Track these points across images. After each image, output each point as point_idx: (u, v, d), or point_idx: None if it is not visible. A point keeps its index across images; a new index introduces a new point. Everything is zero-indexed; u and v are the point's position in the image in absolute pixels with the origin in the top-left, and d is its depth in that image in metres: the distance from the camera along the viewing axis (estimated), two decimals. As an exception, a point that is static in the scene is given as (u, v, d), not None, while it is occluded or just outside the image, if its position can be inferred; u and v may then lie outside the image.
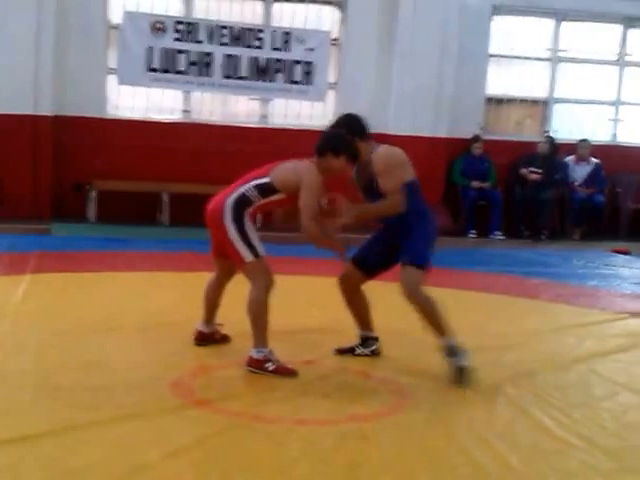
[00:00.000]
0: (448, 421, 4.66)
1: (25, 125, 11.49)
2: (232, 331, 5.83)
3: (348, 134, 5.36)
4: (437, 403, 4.96)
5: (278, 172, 5.29)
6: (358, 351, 5.75)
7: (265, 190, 5.26)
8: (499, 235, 12.80)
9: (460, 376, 5.22)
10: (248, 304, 5.26)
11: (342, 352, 5.72)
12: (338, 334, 6.08)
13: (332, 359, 5.69)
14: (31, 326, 6.17)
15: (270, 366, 5.21)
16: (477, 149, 12.96)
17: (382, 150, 5.41)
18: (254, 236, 5.27)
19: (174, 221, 11.62)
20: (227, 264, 5.54)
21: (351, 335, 5.82)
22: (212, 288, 5.75)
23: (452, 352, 5.31)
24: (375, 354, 5.77)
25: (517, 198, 13.00)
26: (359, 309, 5.75)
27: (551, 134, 13.66)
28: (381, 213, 5.46)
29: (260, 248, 5.27)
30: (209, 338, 5.79)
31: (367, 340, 5.78)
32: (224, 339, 5.86)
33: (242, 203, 5.25)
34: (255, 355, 5.25)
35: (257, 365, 5.23)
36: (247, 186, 5.28)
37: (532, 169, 12.92)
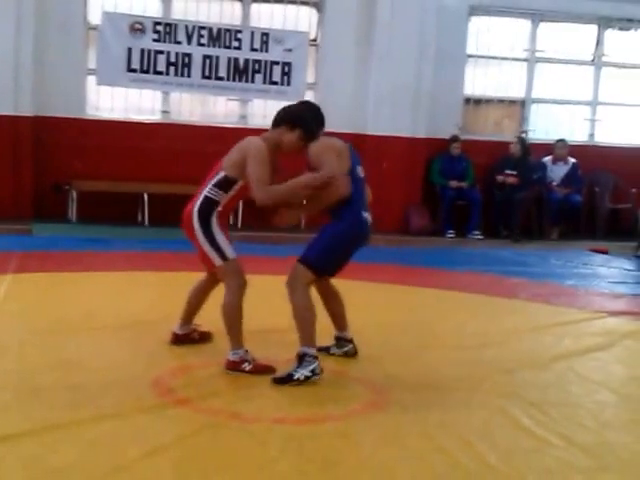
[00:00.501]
0: (426, 420, 4.67)
1: (5, 125, 11.49)
2: (213, 329, 5.85)
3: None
4: (415, 402, 4.98)
5: (227, 160, 5.25)
6: (332, 351, 5.78)
7: (224, 184, 5.23)
8: (477, 235, 12.86)
9: (282, 381, 5.12)
10: (222, 307, 5.28)
11: (319, 350, 5.65)
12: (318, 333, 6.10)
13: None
14: (12, 326, 6.22)
15: (247, 366, 5.24)
16: (455, 149, 13.02)
17: (317, 141, 5.28)
18: (221, 239, 5.25)
19: (154, 221, 11.63)
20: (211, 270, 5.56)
21: (323, 334, 5.73)
22: (197, 291, 5.72)
23: (301, 360, 5.19)
24: (348, 355, 5.76)
25: (495, 199, 13.08)
26: (332, 309, 5.73)
27: (527, 134, 13.78)
28: (315, 183, 5.15)
29: (229, 251, 5.26)
30: (184, 340, 5.78)
31: (340, 340, 5.79)
32: (204, 337, 5.85)
33: (208, 206, 5.23)
34: (232, 357, 5.28)
35: (234, 367, 5.25)
36: (208, 187, 5.25)
37: (507, 171, 12.99)
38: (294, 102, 5.62)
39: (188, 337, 5.80)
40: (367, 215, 5.45)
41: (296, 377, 5.10)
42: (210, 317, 5.65)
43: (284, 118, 5.24)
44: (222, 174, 5.24)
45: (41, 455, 3.87)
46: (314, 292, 5.54)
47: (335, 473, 3.89)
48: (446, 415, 4.76)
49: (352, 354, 5.77)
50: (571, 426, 4.65)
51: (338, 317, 5.76)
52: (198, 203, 5.25)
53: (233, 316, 5.27)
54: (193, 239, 5.30)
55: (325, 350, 5.74)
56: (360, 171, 5.49)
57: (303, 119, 5.23)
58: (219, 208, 5.25)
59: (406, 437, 4.38)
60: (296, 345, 5.30)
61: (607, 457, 4.29)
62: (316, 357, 5.20)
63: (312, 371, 5.14)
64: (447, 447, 4.20)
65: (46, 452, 3.89)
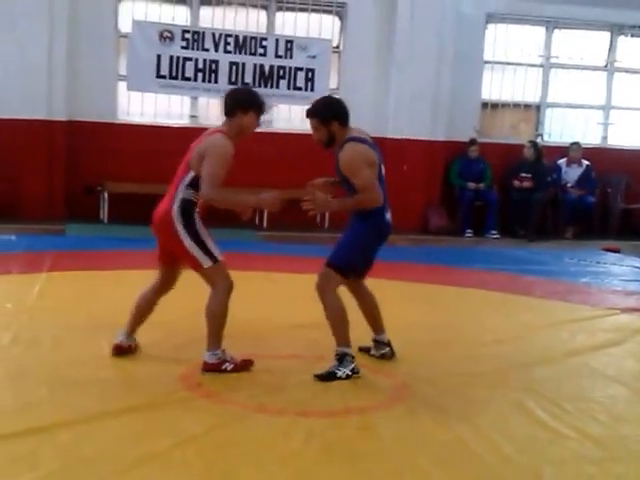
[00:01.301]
0: (446, 412, 4.82)
1: (39, 130, 11.76)
2: (234, 328, 5.80)
3: (334, 121, 5.35)
4: (435, 396, 5.13)
5: (193, 160, 5.14)
6: (372, 352, 5.86)
7: (197, 184, 5.13)
8: (494, 234, 13.06)
9: (326, 377, 5.27)
10: (208, 306, 5.23)
11: (361, 350, 5.84)
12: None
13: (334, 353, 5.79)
14: (46, 322, 6.40)
15: (228, 366, 5.27)
16: (473, 152, 13.21)
17: (347, 150, 5.32)
18: (209, 240, 5.22)
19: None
20: (170, 273, 5.46)
21: (351, 330, 5.86)
22: (146, 298, 5.56)
23: (340, 359, 5.34)
24: (385, 358, 5.81)
25: (512, 200, 13.25)
26: (367, 311, 5.79)
27: (541, 138, 13.98)
28: (358, 206, 5.37)
29: (217, 252, 5.22)
30: (128, 351, 5.58)
31: (377, 343, 5.85)
32: (135, 349, 5.65)
33: (187, 208, 5.15)
34: (209, 359, 5.27)
35: (214, 368, 5.25)
36: (181, 189, 5.16)
37: (523, 175, 13.21)
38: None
39: (130, 349, 5.60)
40: (389, 215, 5.57)
41: (339, 375, 5.27)
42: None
43: (234, 107, 5.26)
44: (192, 174, 5.15)
45: (74, 445, 4.02)
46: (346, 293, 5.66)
47: (357, 465, 4.01)
48: (465, 408, 4.93)
49: (389, 357, 5.83)
50: (584, 419, 4.82)
51: (373, 319, 5.82)
52: (176, 206, 5.14)
53: (219, 315, 5.22)
54: (172, 240, 5.20)
55: (366, 351, 5.86)
56: (383, 169, 5.59)
57: (250, 100, 5.29)
58: (197, 209, 5.19)
59: (426, 429, 4.54)
60: (320, 342, 5.49)
61: (619, 449, 4.47)
62: (353, 356, 5.36)
63: (352, 370, 5.32)
64: (465, 439, 4.38)
65: (79, 442, 4.06)
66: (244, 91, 5.56)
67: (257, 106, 5.31)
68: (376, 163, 5.46)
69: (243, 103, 5.26)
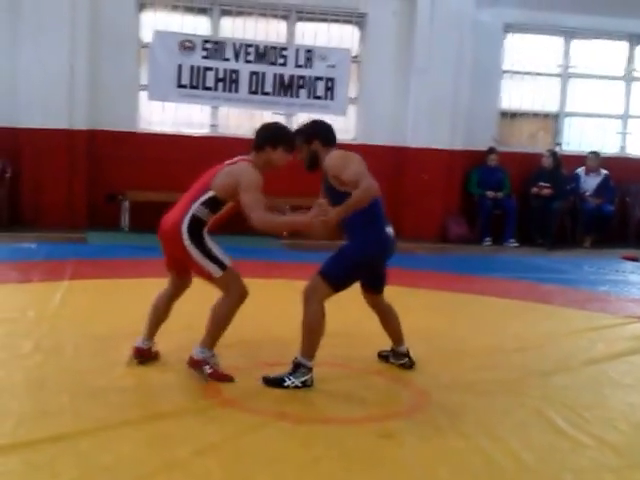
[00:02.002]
0: (465, 421, 4.80)
1: (61, 139, 11.88)
2: (258, 335, 5.88)
3: (315, 139, 5.37)
4: (455, 404, 5.11)
5: (218, 182, 5.17)
6: (391, 360, 5.85)
7: (213, 204, 5.18)
8: (513, 243, 13.09)
9: (273, 383, 5.20)
10: (215, 307, 5.26)
11: (380, 355, 5.90)
12: (359, 338, 6.30)
13: (355, 361, 5.84)
14: (68, 330, 6.40)
15: (207, 369, 5.22)
16: (492, 160, 13.27)
17: (331, 154, 5.33)
18: (216, 249, 5.22)
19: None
20: (180, 278, 5.48)
21: (371, 339, 5.97)
22: (162, 302, 5.56)
23: (295, 368, 5.24)
24: (405, 367, 5.77)
25: (531, 208, 13.28)
26: (386, 324, 5.78)
27: (559, 147, 14.00)
28: (357, 204, 5.07)
29: (225, 259, 5.22)
30: (148, 355, 5.58)
31: (396, 354, 5.83)
32: (156, 356, 5.66)
33: (197, 225, 5.16)
34: (196, 356, 5.25)
35: (196, 365, 5.25)
36: (196, 205, 5.17)
37: (541, 183, 13.22)
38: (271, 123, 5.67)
39: (150, 353, 5.60)
40: (390, 229, 5.47)
41: (286, 384, 5.18)
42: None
43: (264, 142, 5.27)
44: (211, 193, 5.18)
45: (94, 453, 4.00)
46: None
47: (377, 472, 3.99)
48: (484, 416, 4.91)
49: (408, 367, 5.80)
50: (604, 427, 4.80)
51: (393, 332, 5.79)
52: (186, 222, 5.15)
53: (224, 317, 5.24)
54: (180, 252, 5.21)
55: (384, 358, 5.88)
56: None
57: (279, 137, 5.31)
58: (206, 227, 5.22)
59: (446, 437, 4.52)
60: (341, 350, 5.47)
61: (638, 457, 4.46)
62: (311, 369, 5.25)
63: (303, 382, 5.19)
64: (485, 447, 4.36)
65: (99, 450, 4.03)
66: (274, 127, 5.55)
67: (286, 143, 5.33)
68: (365, 166, 5.28)
69: (272, 139, 5.29)
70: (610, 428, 4.82)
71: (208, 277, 5.24)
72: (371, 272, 5.55)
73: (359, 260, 5.35)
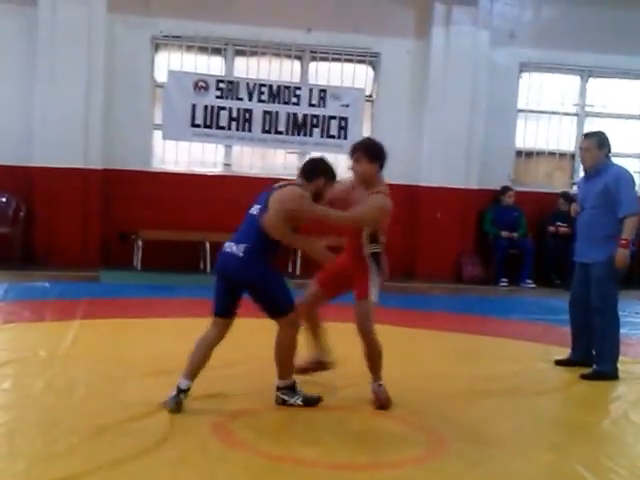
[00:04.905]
0: (484, 468, 4.72)
1: (75, 177, 11.91)
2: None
3: (315, 173, 5.71)
4: (470, 449, 5.03)
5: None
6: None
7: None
8: (530, 284, 12.98)
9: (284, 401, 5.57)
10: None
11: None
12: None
13: (370, 404, 5.78)
14: (80, 370, 6.41)
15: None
16: (509, 198, 13.18)
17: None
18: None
19: (216, 268, 11.90)
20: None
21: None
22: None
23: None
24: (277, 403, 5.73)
25: (548, 248, 13.16)
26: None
27: (568, 189, 13.81)
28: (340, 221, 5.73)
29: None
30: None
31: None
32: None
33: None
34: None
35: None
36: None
37: (559, 224, 13.13)
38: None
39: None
40: (229, 244, 5.79)
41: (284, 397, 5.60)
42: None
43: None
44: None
45: None
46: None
47: None
48: (500, 466, 4.81)
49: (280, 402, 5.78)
50: (627, 476, 4.70)
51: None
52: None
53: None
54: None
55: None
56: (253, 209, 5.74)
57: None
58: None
59: None
60: (353, 393, 5.52)
61: None
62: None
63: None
64: None
65: None
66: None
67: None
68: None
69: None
70: (634, 477, 4.72)
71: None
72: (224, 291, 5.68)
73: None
